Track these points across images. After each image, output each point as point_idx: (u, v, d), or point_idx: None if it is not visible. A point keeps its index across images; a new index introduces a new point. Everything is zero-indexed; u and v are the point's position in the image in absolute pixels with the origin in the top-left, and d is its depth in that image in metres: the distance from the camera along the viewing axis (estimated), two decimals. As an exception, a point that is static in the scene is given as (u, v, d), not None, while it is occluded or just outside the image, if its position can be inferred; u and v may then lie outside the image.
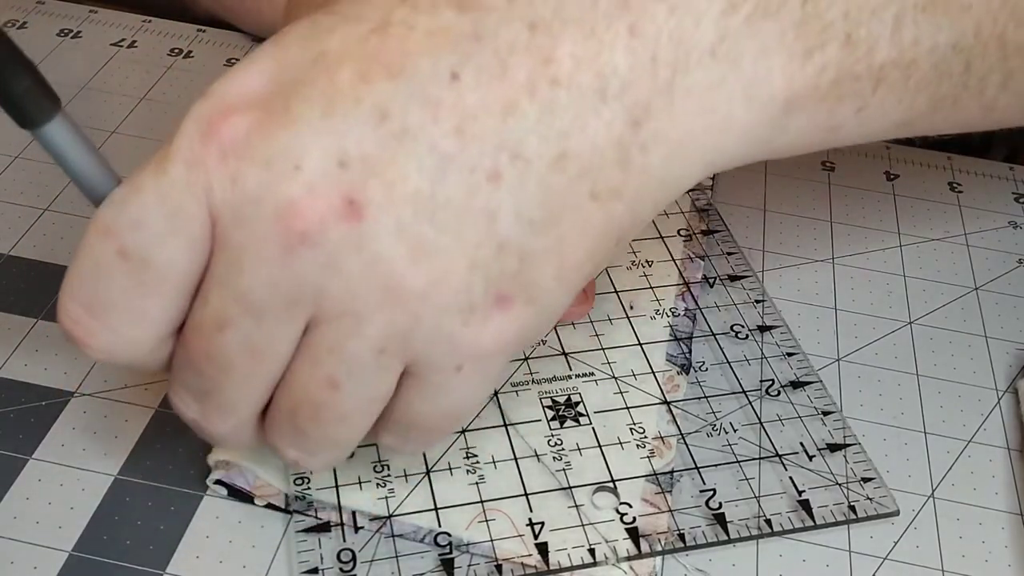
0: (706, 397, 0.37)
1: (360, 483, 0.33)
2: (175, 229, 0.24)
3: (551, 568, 0.31)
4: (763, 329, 0.39)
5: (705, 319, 0.40)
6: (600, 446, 0.34)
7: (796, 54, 0.25)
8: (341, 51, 0.24)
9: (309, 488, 0.32)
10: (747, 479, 0.34)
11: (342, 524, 0.32)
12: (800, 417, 0.36)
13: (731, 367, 0.38)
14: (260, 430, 0.28)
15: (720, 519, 0.33)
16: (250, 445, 0.29)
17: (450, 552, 0.31)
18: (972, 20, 0.27)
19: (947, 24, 0.27)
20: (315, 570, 0.31)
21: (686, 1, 0.24)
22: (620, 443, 0.35)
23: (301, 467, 0.29)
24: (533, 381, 0.36)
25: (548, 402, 0.36)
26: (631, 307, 0.39)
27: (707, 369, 0.38)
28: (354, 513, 0.32)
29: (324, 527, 0.32)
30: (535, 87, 0.24)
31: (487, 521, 0.32)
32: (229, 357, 0.25)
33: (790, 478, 0.34)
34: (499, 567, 0.31)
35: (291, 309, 0.24)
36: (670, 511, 0.33)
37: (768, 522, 0.33)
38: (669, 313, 0.39)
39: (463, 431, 0.34)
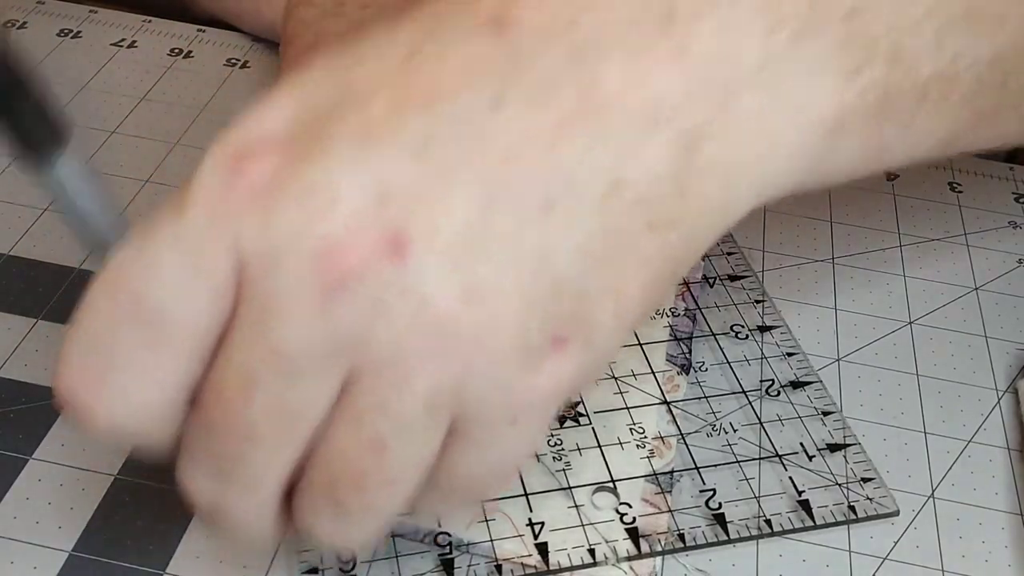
0: (706, 397, 0.37)
1: None
2: (195, 279, 0.22)
3: (551, 568, 0.31)
4: (763, 329, 0.39)
5: (705, 319, 0.40)
6: (600, 446, 0.34)
7: (842, 73, 0.24)
8: (372, 83, 0.22)
9: None
10: (747, 479, 0.34)
11: None
12: (800, 417, 0.36)
13: (731, 367, 0.38)
14: (282, 512, 0.25)
15: (720, 519, 0.33)
16: (271, 538, 0.25)
17: (450, 552, 0.31)
18: (1008, 34, 0.26)
19: (985, 38, 0.26)
20: (315, 570, 0.31)
21: (730, 22, 0.23)
22: (620, 443, 0.35)
23: (338, 545, 0.25)
24: (533, 381, 0.36)
25: (548, 402, 0.36)
26: (631, 307, 0.39)
27: (707, 369, 0.38)
28: None
29: None
30: (582, 113, 0.22)
31: (487, 521, 0.32)
32: (255, 422, 0.22)
33: (790, 478, 0.34)
34: (499, 567, 0.31)
35: (329, 363, 0.22)
36: (670, 511, 0.33)
37: (768, 522, 0.33)
38: (669, 313, 0.39)
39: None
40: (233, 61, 0.52)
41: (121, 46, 0.52)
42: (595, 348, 0.23)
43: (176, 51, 0.52)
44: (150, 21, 0.54)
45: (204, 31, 0.54)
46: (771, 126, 0.24)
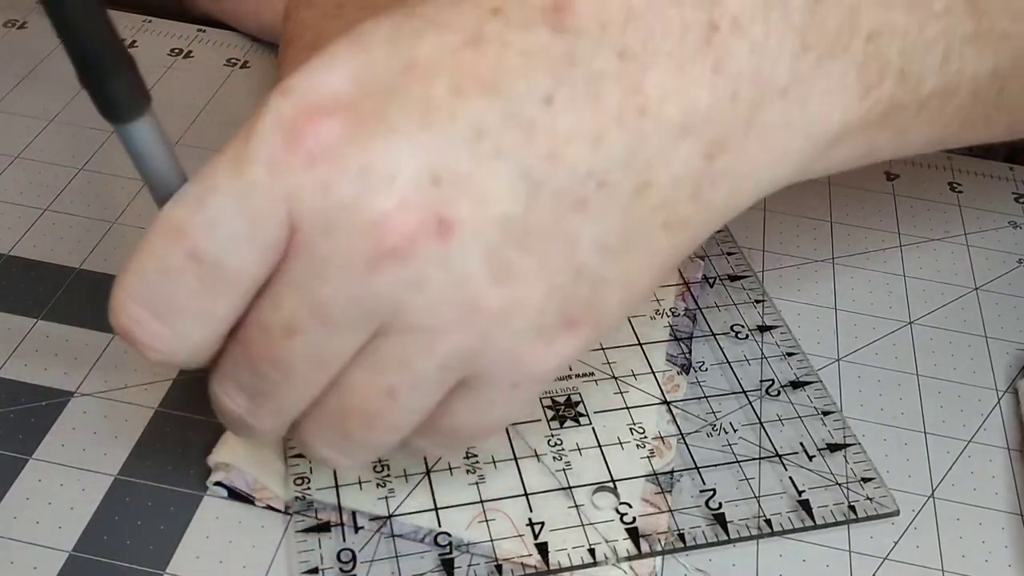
0: (706, 397, 0.37)
1: (360, 483, 0.33)
2: (252, 234, 0.23)
3: (551, 568, 0.31)
4: (763, 329, 0.39)
5: (705, 319, 0.40)
6: (600, 446, 0.34)
7: (856, 92, 0.25)
8: (434, 61, 0.23)
9: (309, 488, 0.32)
10: (747, 479, 0.34)
11: (342, 524, 0.32)
12: (800, 417, 0.36)
13: (731, 367, 0.38)
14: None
15: (720, 519, 0.33)
16: (274, 442, 0.28)
17: (450, 552, 0.31)
18: (1011, 48, 0.28)
19: (989, 54, 0.27)
20: (315, 570, 0.31)
21: (765, 41, 0.24)
22: (620, 443, 0.35)
23: (329, 466, 0.29)
24: (533, 381, 0.36)
25: (548, 402, 0.36)
26: (631, 307, 0.39)
27: (707, 369, 0.38)
28: (354, 513, 0.32)
29: (324, 527, 0.32)
30: (624, 116, 0.24)
31: (487, 521, 0.32)
32: (293, 363, 0.25)
33: (790, 478, 0.34)
34: (499, 567, 0.31)
35: (365, 322, 0.24)
36: (670, 511, 0.33)
37: (768, 522, 0.33)
38: (669, 313, 0.39)
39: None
40: (233, 61, 0.52)
41: (121, 46, 0.52)
42: (599, 329, 0.26)
43: (176, 51, 0.52)
44: (150, 21, 0.54)
45: (204, 31, 0.54)
46: (785, 139, 0.25)
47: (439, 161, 0.23)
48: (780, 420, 0.36)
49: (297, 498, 0.32)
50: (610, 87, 0.23)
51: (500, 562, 0.31)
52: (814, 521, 0.33)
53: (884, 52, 0.25)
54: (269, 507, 0.32)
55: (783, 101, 0.25)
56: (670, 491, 0.33)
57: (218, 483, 0.33)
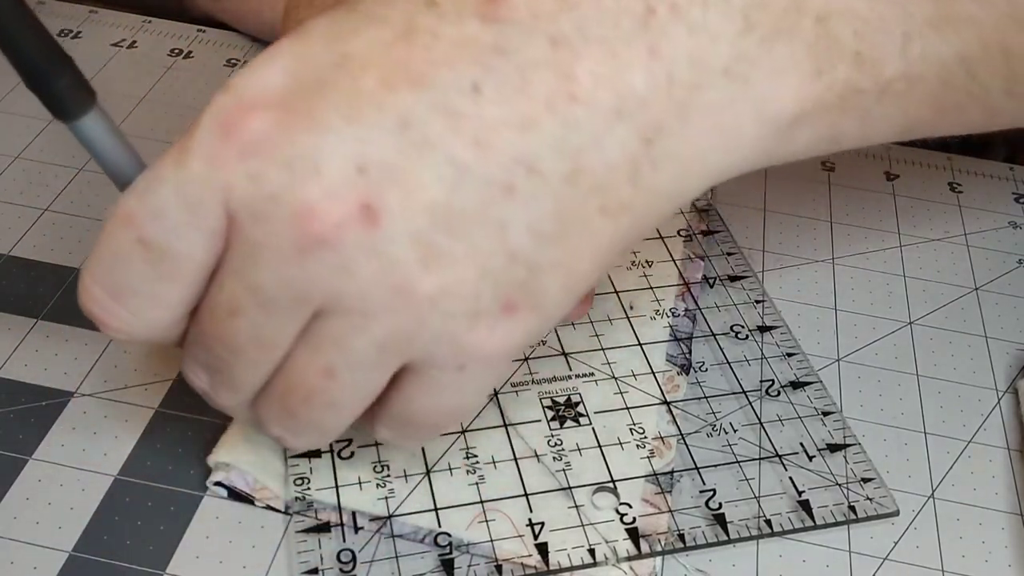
0: (706, 397, 0.37)
1: (360, 483, 0.33)
2: (193, 222, 0.24)
3: (551, 568, 0.31)
4: (763, 329, 0.39)
5: (705, 319, 0.40)
6: (600, 446, 0.34)
7: (807, 73, 0.25)
8: (366, 55, 0.24)
9: (309, 488, 0.32)
10: (747, 479, 0.34)
11: (342, 524, 0.32)
12: (800, 417, 0.36)
13: (731, 367, 0.38)
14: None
15: (720, 519, 0.33)
16: (246, 418, 0.29)
17: (450, 552, 0.31)
18: (977, 32, 0.27)
19: (954, 38, 0.27)
20: (315, 570, 0.31)
21: (704, 22, 0.24)
22: (620, 443, 0.35)
23: (283, 445, 0.30)
24: (533, 381, 0.36)
25: (548, 402, 0.36)
26: (631, 307, 0.39)
27: (707, 369, 0.38)
28: (354, 513, 0.32)
29: (324, 527, 0.32)
30: (554, 103, 0.24)
31: (487, 521, 0.32)
32: (238, 342, 0.26)
33: (790, 478, 0.34)
34: (499, 567, 0.31)
35: (300, 305, 0.25)
36: (670, 511, 0.33)
37: (768, 522, 0.33)
38: (669, 313, 0.39)
39: (463, 431, 0.34)
40: (233, 61, 0.52)
41: (121, 46, 0.52)
42: (543, 314, 0.26)
43: (176, 51, 0.52)
44: (150, 21, 0.54)
45: (204, 31, 0.54)
46: (731, 121, 0.25)
47: (365, 151, 0.24)
48: (780, 420, 0.36)
49: (297, 498, 0.32)
50: (541, 75, 0.24)
51: (500, 562, 0.31)
52: (814, 521, 0.33)
53: (836, 33, 0.25)
54: (269, 507, 0.33)
55: (725, 81, 0.25)
56: (670, 491, 0.33)
57: (218, 483, 0.33)
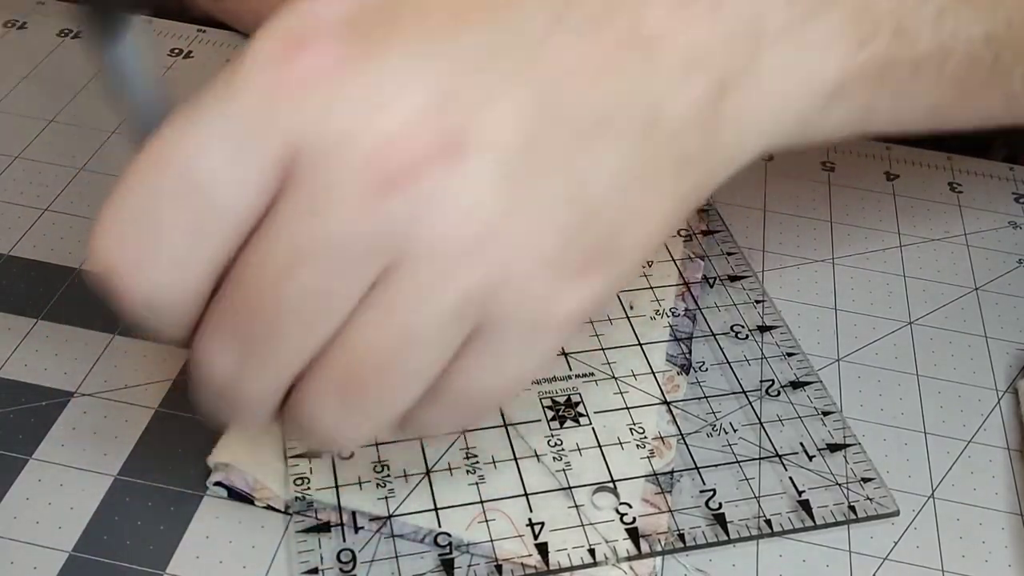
0: (706, 397, 0.37)
1: (360, 483, 0.33)
2: (244, 160, 0.22)
3: (551, 568, 0.31)
4: (763, 329, 0.39)
5: (705, 319, 0.40)
6: (600, 446, 0.34)
7: (852, 43, 0.26)
8: None
9: (309, 488, 0.32)
10: (747, 479, 0.34)
11: (342, 524, 0.32)
12: (800, 417, 0.36)
13: (731, 367, 0.38)
14: (278, 412, 0.25)
15: (720, 519, 0.33)
16: (263, 422, 0.26)
17: (450, 552, 0.31)
18: (1004, 13, 0.28)
19: (984, 16, 0.28)
20: (315, 570, 0.31)
21: None
22: (620, 443, 0.35)
23: (330, 442, 0.25)
24: (533, 381, 0.36)
25: (548, 402, 0.36)
26: (631, 307, 0.39)
27: (707, 369, 0.38)
28: (354, 513, 0.32)
29: (324, 527, 0.32)
30: (626, 51, 0.23)
31: (487, 521, 0.32)
32: (292, 302, 0.22)
33: (790, 478, 0.34)
34: (499, 567, 0.31)
35: (373, 254, 0.22)
36: (670, 511, 0.33)
37: (768, 522, 0.33)
38: (669, 313, 0.39)
39: (463, 432, 0.34)
40: (233, 61, 0.52)
41: (121, 46, 0.52)
42: (615, 275, 0.24)
43: (176, 51, 0.52)
44: (150, 21, 0.54)
45: (204, 31, 0.54)
46: (785, 86, 0.25)
47: (444, 82, 0.22)
48: (780, 420, 0.36)
49: (297, 498, 0.32)
50: (613, 22, 0.23)
51: (500, 562, 0.31)
52: (814, 521, 0.33)
53: (877, 6, 0.26)
54: (269, 507, 0.32)
55: (780, 45, 0.25)
56: (670, 491, 0.33)
57: (218, 483, 0.33)
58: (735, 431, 0.36)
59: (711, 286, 0.41)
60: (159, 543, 0.31)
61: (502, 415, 0.35)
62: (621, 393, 0.36)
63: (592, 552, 0.31)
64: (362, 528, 0.32)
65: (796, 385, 0.37)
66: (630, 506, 0.33)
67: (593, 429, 0.35)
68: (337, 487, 0.33)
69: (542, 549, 0.31)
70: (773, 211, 0.45)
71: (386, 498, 0.32)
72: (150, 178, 0.22)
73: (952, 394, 0.38)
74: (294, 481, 0.33)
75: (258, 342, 0.23)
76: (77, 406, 0.35)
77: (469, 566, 0.31)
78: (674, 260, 0.41)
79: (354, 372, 0.23)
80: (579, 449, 0.34)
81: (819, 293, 0.42)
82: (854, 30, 0.26)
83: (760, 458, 0.35)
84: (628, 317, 0.39)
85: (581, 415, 0.35)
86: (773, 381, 0.37)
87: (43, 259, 0.40)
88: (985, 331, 0.41)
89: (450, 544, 0.32)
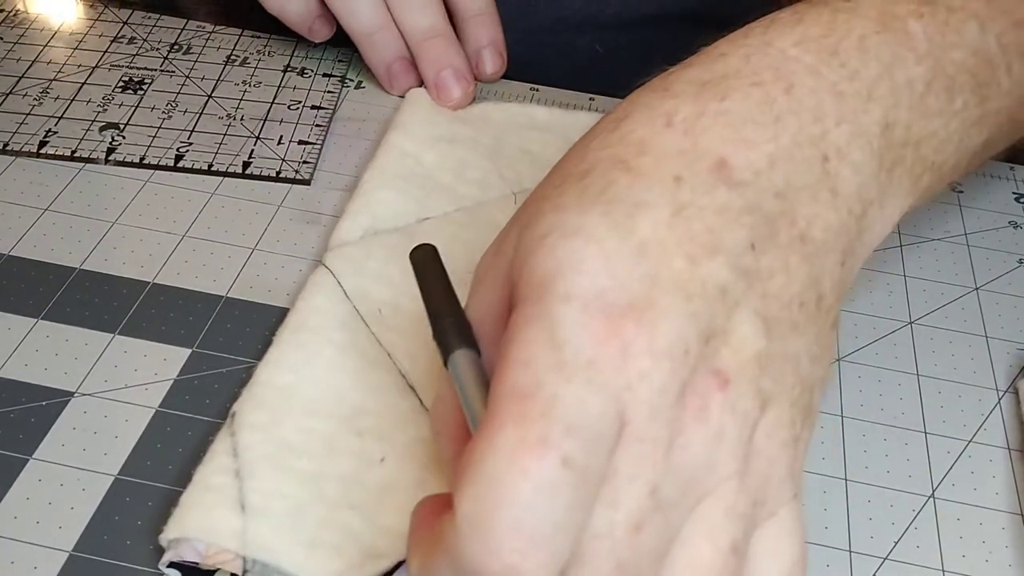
0: (706, 397, 0.37)
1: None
2: (604, 431, 0.23)
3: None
4: (763, 329, 0.39)
5: (705, 319, 0.39)
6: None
7: (910, 191, 0.30)
8: (658, 238, 0.25)
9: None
10: (747, 479, 0.34)
11: None
12: (800, 417, 0.36)
13: (731, 367, 0.38)
14: None
15: (720, 519, 0.33)
16: None
17: None
18: (999, 121, 0.32)
19: (986, 129, 0.32)
20: (315, 570, 0.30)
21: (861, 164, 0.28)
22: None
23: None
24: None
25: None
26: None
27: (707, 369, 0.38)
28: None
29: None
30: (795, 245, 0.27)
31: None
32: (640, 560, 0.24)
33: (790, 478, 0.34)
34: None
35: (694, 491, 0.25)
36: (670, 511, 0.33)
37: (768, 522, 0.33)
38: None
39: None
40: (233, 59, 0.52)
41: (121, 42, 0.52)
42: (814, 427, 0.28)
43: (176, 49, 0.52)
44: (151, 17, 0.54)
45: (204, 29, 0.54)
46: (872, 239, 0.30)
47: (704, 325, 0.25)
48: (780, 420, 0.36)
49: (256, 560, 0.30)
50: (779, 223, 0.27)
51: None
52: (814, 521, 0.33)
53: (925, 155, 0.30)
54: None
55: (874, 209, 0.29)
56: (670, 491, 0.33)
57: (171, 564, 0.31)
58: (735, 431, 0.35)
59: (711, 286, 0.41)
60: (159, 543, 0.31)
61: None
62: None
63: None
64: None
65: (796, 385, 0.37)
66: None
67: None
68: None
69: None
70: (773, 211, 0.45)
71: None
72: (535, 468, 0.23)
73: (952, 394, 0.38)
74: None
75: None
76: (77, 406, 0.35)
77: None
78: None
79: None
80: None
81: (819, 293, 0.42)
82: (912, 180, 0.30)
83: (760, 458, 0.35)
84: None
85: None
86: (773, 381, 0.37)
87: (43, 259, 0.40)
88: (985, 331, 0.41)
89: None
